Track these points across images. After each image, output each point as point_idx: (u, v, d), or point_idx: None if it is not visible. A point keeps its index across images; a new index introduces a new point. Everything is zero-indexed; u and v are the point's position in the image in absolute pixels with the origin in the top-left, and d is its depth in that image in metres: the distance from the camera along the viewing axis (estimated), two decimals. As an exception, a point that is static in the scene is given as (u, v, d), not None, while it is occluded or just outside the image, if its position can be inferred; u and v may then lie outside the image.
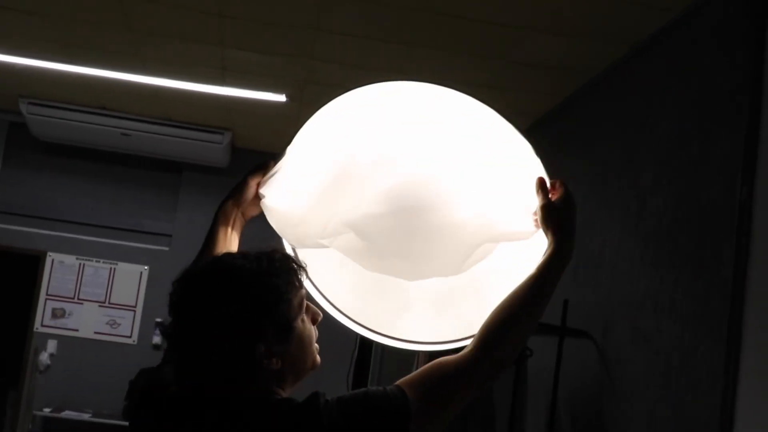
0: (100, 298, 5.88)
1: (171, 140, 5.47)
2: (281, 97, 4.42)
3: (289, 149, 1.48)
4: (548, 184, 1.38)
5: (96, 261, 5.89)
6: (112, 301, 5.88)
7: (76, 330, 5.82)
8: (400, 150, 1.43)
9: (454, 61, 3.53)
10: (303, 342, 1.23)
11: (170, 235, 5.99)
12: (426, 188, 1.42)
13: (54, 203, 5.94)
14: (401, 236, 1.41)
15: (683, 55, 2.75)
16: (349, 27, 3.34)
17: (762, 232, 2.16)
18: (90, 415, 5.51)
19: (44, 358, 5.72)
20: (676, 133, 2.69)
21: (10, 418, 5.70)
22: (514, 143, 1.44)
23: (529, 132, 4.10)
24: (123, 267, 5.91)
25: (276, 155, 1.49)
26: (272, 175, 1.47)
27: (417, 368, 1.27)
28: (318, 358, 1.28)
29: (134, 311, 5.88)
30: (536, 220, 1.37)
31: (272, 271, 1.20)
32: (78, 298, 5.85)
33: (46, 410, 5.56)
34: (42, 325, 5.80)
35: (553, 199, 1.35)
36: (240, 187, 1.48)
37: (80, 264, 5.87)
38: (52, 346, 5.77)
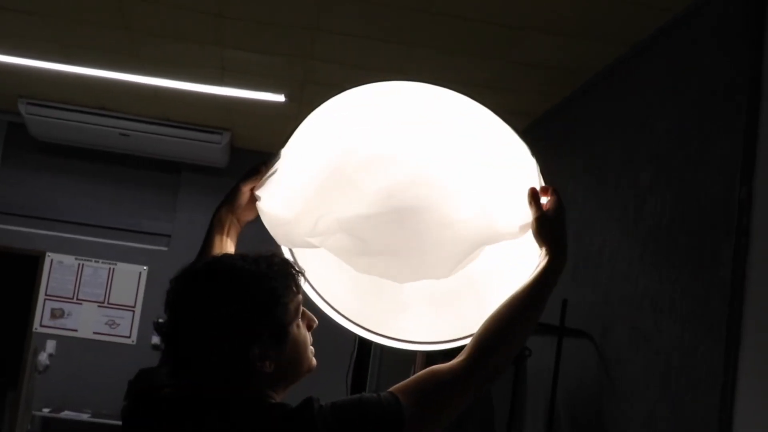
0: (99, 299, 5.87)
1: (170, 140, 5.46)
2: (280, 98, 4.42)
3: (284, 151, 1.48)
4: (539, 189, 1.37)
5: (95, 261, 5.89)
6: (111, 301, 5.88)
7: (75, 330, 5.82)
8: (393, 150, 1.42)
9: (454, 61, 3.53)
10: (297, 347, 1.23)
11: (169, 236, 5.99)
12: (419, 189, 1.41)
13: (53, 203, 5.94)
14: (393, 237, 1.40)
15: (683, 54, 2.75)
16: (348, 27, 3.33)
17: (761, 232, 2.16)
18: (89, 415, 5.51)
19: (43, 358, 5.72)
20: (676, 132, 2.69)
21: (9, 418, 5.70)
22: (510, 144, 1.43)
23: (528, 132, 4.10)
24: (122, 267, 5.91)
25: (270, 157, 1.49)
26: (267, 178, 1.47)
27: (416, 368, 1.27)
28: (314, 361, 1.28)
29: (133, 311, 5.88)
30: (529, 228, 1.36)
31: (270, 273, 1.20)
32: (77, 299, 5.85)
33: (45, 410, 5.56)
34: (41, 326, 5.79)
35: (546, 208, 1.35)
36: (233, 193, 1.48)
37: (79, 264, 5.87)
38: (51, 346, 5.77)
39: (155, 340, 5.74)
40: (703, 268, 2.38)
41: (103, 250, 5.90)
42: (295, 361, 1.23)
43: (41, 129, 5.47)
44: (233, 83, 4.30)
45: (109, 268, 5.90)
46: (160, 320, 1.21)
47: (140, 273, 5.91)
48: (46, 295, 5.83)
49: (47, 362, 5.73)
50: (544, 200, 1.36)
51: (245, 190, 1.48)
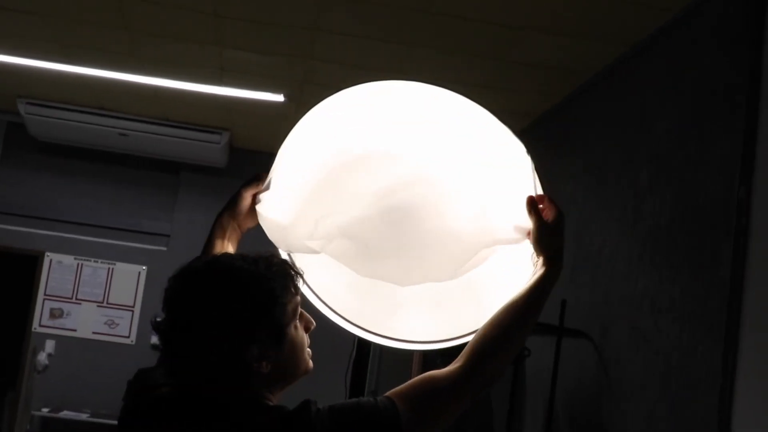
0: (98, 298, 5.87)
1: (169, 140, 5.46)
2: (280, 97, 4.42)
3: (280, 153, 1.48)
4: (536, 197, 1.36)
5: (94, 261, 5.89)
6: (110, 301, 5.88)
7: (74, 330, 5.82)
8: (390, 150, 1.41)
9: (454, 61, 3.53)
10: (295, 348, 1.23)
11: (168, 235, 5.98)
12: (418, 188, 1.41)
13: (52, 203, 5.94)
14: (394, 239, 1.40)
15: (682, 54, 2.75)
16: (348, 27, 3.33)
17: (760, 232, 2.16)
18: (88, 415, 5.51)
19: (42, 358, 5.71)
20: (675, 132, 2.69)
21: (8, 418, 5.69)
22: (508, 144, 1.42)
23: (528, 132, 4.10)
24: (121, 267, 5.91)
25: (272, 163, 1.49)
26: (268, 184, 1.47)
27: (413, 367, 1.27)
28: (310, 363, 1.28)
29: (132, 311, 5.88)
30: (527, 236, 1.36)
31: (269, 274, 1.20)
32: (76, 298, 5.85)
33: (45, 410, 5.55)
34: (40, 325, 5.79)
35: (546, 217, 1.34)
36: (235, 199, 1.48)
37: (78, 264, 5.87)
38: (50, 346, 5.76)
39: (154, 340, 5.70)
40: (703, 268, 2.38)
41: (103, 250, 5.90)
42: (292, 363, 1.23)
43: (41, 129, 5.47)
44: (233, 83, 4.30)
45: (109, 268, 5.90)
46: (158, 319, 1.21)
47: (139, 273, 5.91)
48: (45, 294, 5.83)
49: (46, 362, 5.73)
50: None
51: (247, 195, 1.48)
